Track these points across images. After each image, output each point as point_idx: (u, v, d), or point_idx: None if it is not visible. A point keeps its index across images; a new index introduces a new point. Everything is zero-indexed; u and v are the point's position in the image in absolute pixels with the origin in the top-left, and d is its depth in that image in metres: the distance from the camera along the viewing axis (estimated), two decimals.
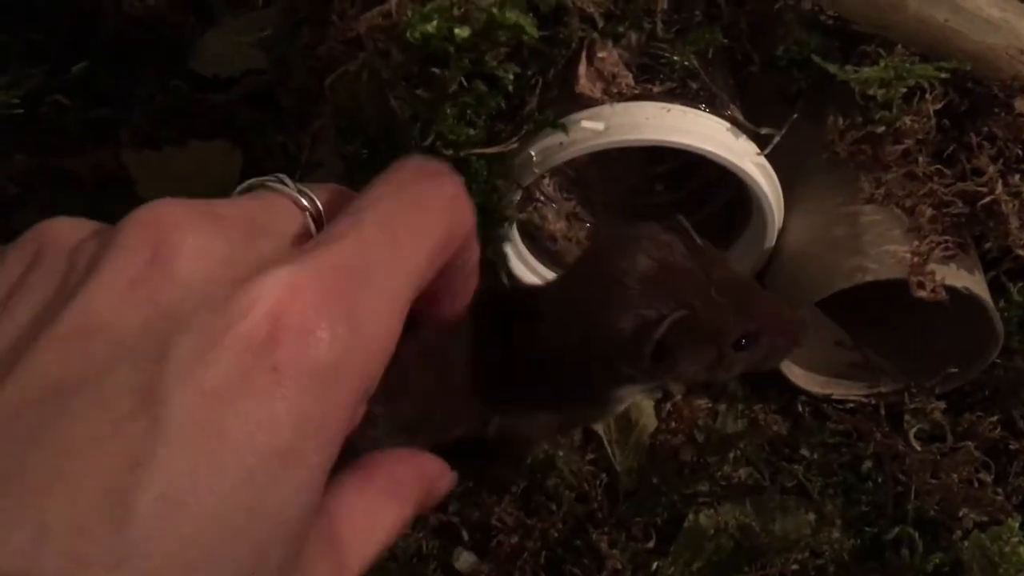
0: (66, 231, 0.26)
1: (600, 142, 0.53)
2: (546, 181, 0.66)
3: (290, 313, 0.23)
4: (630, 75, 0.54)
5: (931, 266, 0.52)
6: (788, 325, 0.47)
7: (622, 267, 0.45)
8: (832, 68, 0.52)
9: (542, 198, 0.67)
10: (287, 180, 0.30)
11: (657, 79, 0.55)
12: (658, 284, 0.44)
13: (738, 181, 0.56)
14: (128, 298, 0.24)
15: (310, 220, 0.29)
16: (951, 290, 0.53)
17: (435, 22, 0.44)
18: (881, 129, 0.54)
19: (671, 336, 0.43)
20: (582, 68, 0.54)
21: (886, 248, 0.54)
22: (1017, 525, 0.49)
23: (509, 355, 0.48)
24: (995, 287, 0.58)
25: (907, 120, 0.54)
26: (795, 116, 0.57)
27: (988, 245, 0.55)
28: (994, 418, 0.58)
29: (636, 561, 0.57)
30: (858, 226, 0.56)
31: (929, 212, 0.53)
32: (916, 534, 0.53)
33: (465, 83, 0.49)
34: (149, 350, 0.23)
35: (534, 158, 0.54)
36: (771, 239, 0.58)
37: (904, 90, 0.54)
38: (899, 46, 0.54)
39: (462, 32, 0.44)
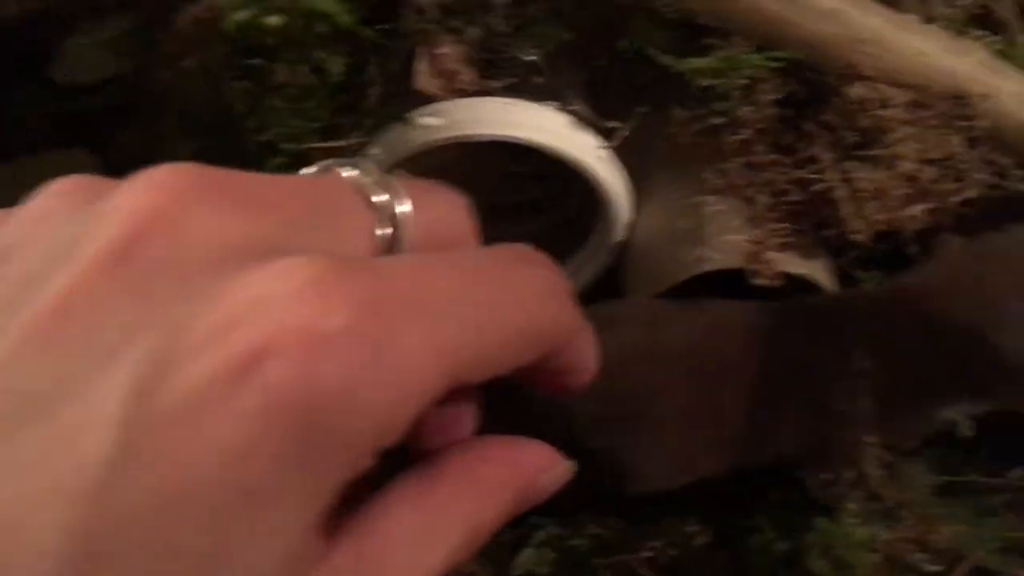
0: (69, 189, 0.22)
1: (440, 137, 0.53)
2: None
3: (304, 318, 0.18)
4: (471, 71, 0.54)
5: (768, 254, 0.53)
6: None
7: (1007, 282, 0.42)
8: (667, 60, 0.53)
9: None
10: (370, 166, 0.24)
11: (499, 75, 0.55)
12: None
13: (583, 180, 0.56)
14: (112, 284, 0.19)
15: (384, 225, 0.23)
16: (791, 277, 0.53)
17: (245, 10, 0.43)
18: (720, 120, 0.54)
19: None
20: (422, 64, 0.53)
21: (727, 238, 0.54)
22: (854, 507, 0.50)
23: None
24: (842, 276, 0.59)
25: (745, 110, 0.54)
26: (642, 110, 0.58)
27: (827, 233, 0.56)
28: None
29: (498, 557, 0.56)
30: (701, 217, 0.56)
31: (766, 200, 0.54)
32: (767, 526, 0.53)
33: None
34: (122, 351, 0.18)
35: (379, 153, 0.54)
36: (619, 233, 0.59)
37: (744, 81, 0.55)
38: (737, 37, 0.55)
39: (274, 20, 0.43)
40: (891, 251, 0.60)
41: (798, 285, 0.54)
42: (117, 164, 0.71)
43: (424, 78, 0.53)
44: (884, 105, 0.53)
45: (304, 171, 0.24)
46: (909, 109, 0.54)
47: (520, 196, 0.69)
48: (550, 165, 0.67)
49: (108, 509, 0.17)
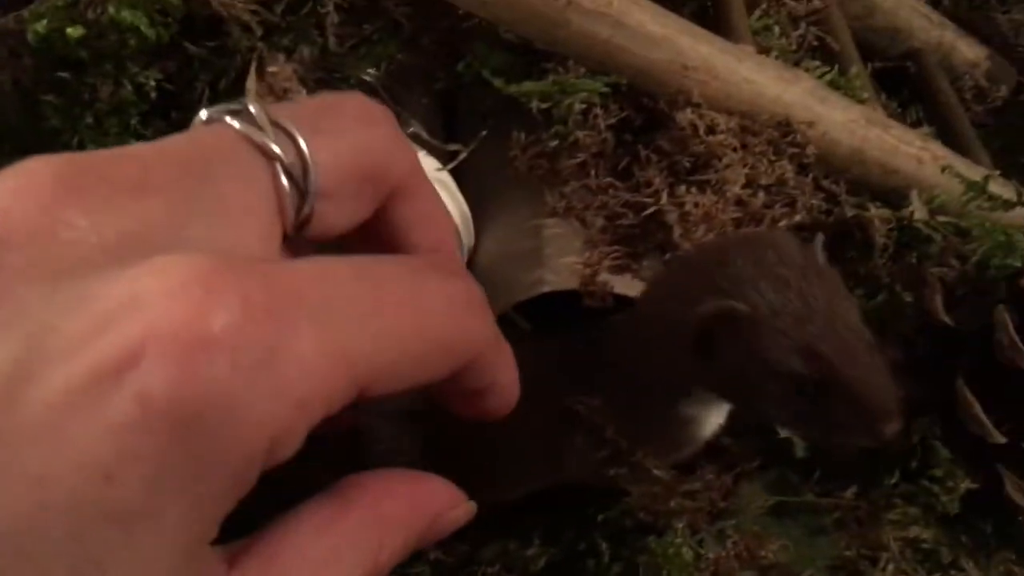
0: None
1: None
2: None
3: (183, 319, 0.17)
4: (304, 90, 0.53)
5: (603, 276, 0.53)
6: (874, 405, 0.39)
7: (717, 260, 0.40)
8: (497, 82, 0.53)
9: None
10: (256, 109, 0.21)
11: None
12: (739, 281, 0.38)
13: None
14: None
15: (283, 176, 0.21)
16: (627, 298, 0.54)
17: (46, 21, 0.41)
18: (555, 143, 0.54)
19: (720, 329, 0.38)
20: (251, 82, 0.52)
21: (564, 260, 0.54)
22: (681, 527, 0.50)
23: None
24: None
25: (582, 134, 0.55)
26: (484, 133, 0.58)
27: (667, 257, 0.56)
28: None
29: None
30: (541, 239, 0.56)
31: (600, 223, 0.54)
32: (604, 544, 0.53)
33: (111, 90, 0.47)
34: None
35: None
36: (463, 253, 0.58)
37: (582, 106, 0.55)
38: (572, 62, 0.55)
39: (75, 32, 0.42)
40: None
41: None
42: None
43: (255, 95, 0.52)
44: (712, 131, 0.54)
45: (194, 122, 0.22)
46: (738, 135, 0.55)
47: None
48: None
49: None
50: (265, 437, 0.18)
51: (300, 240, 0.23)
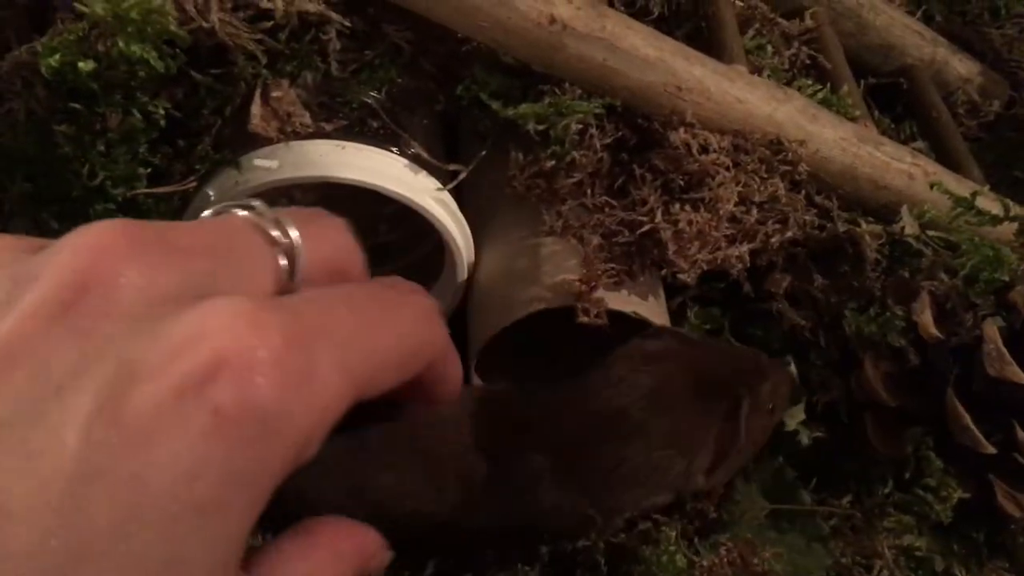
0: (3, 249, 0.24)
1: (273, 179, 0.53)
2: None
3: (243, 348, 0.21)
4: (307, 114, 0.55)
5: (599, 293, 0.54)
6: None
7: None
8: (495, 105, 0.55)
9: None
10: (261, 206, 0.27)
11: (335, 118, 0.56)
12: None
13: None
14: (54, 329, 0.21)
15: (281, 257, 0.26)
16: (623, 316, 0.55)
17: (59, 55, 0.43)
18: (552, 163, 0.56)
19: None
20: (255, 107, 0.54)
21: (561, 278, 0.56)
22: (675, 535, 0.51)
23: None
24: (680, 315, 0.61)
25: (577, 154, 0.56)
26: (483, 153, 0.59)
27: (664, 273, 0.58)
28: None
29: None
30: (538, 257, 0.57)
31: (596, 241, 0.55)
32: (602, 560, 0.54)
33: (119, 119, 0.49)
34: (74, 384, 0.21)
35: (211, 196, 0.54)
36: (462, 273, 0.60)
37: (579, 126, 0.57)
38: (568, 84, 0.57)
39: (86, 65, 0.43)
40: (727, 290, 0.63)
41: (631, 323, 0.56)
42: None
43: (259, 121, 0.53)
44: (705, 150, 0.55)
45: (204, 214, 0.27)
46: (731, 154, 0.56)
47: (381, 238, 0.70)
48: (404, 208, 0.68)
49: (73, 522, 0.19)
50: (302, 440, 0.22)
51: None
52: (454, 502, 0.46)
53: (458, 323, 0.62)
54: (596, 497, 0.47)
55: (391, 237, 0.70)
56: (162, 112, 0.49)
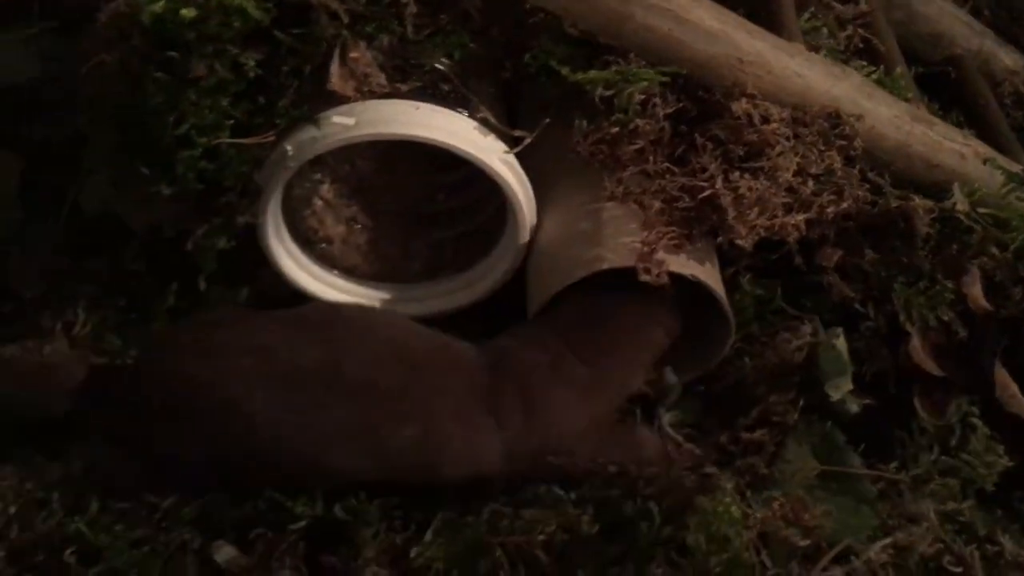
0: None
1: (350, 136, 0.55)
2: (325, 187, 0.68)
3: None
4: (382, 75, 0.57)
5: (659, 255, 0.56)
6: None
7: None
8: (564, 70, 0.56)
9: (320, 203, 0.68)
10: None
11: (409, 80, 0.58)
12: None
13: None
14: None
15: None
16: (681, 279, 0.57)
17: (162, 2, 0.45)
18: (616, 130, 0.58)
19: None
20: (334, 67, 0.56)
21: (622, 240, 0.58)
22: (731, 487, 0.53)
23: None
24: (732, 283, 0.63)
25: (640, 122, 0.58)
26: (547, 121, 0.61)
27: (719, 240, 0.59)
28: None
29: (395, 551, 0.58)
30: (600, 221, 0.59)
31: (658, 205, 0.57)
32: (655, 508, 0.56)
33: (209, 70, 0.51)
34: None
35: (288, 152, 0.56)
36: (524, 236, 0.61)
37: (641, 96, 0.58)
38: (632, 55, 0.59)
39: (188, 13, 0.46)
40: (779, 262, 0.65)
41: (692, 290, 0.58)
42: (40, 163, 0.73)
43: (338, 80, 0.56)
44: (766, 120, 0.57)
45: None
46: (790, 125, 0.58)
47: (439, 206, 0.72)
48: (466, 177, 0.70)
49: None
50: None
51: None
52: None
53: (515, 284, 0.64)
54: None
55: (451, 204, 0.72)
56: (252, 64, 0.51)
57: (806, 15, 0.70)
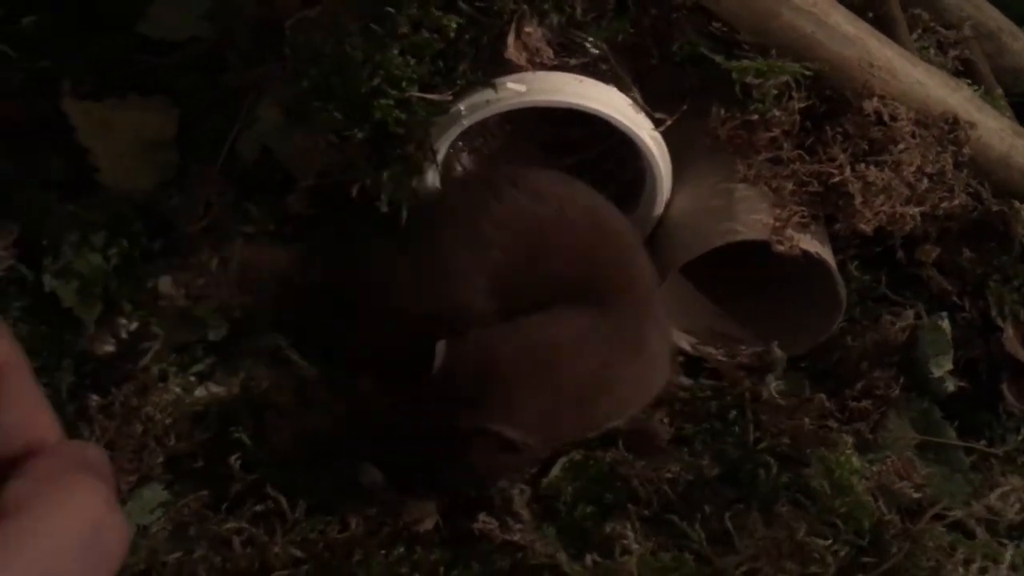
0: None
1: (522, 100, 0.61)
2: (465, 155, 0.74)
3: None
4: (551, 50, 0.63)
5: (789, 231, 0.62)
6: None
7: None
8: (718, 58, 0.63)
9: (460, 169, 0.74)
10: None
11: (574, 56, 0.64)
12: None
13: (635, 157, 0.65)
14: None
15: None
16: (804, 255, 0.63)
17: None
18: (756, 118, 0.64)
19: None
20: (511, 38, 0.62)
21: (754, 216, 0.63)
22: (851, 441, 0.58)
23: None
24: (840, 269, 0.69)
25: (777, 112, 0.64)
26: (685, 107, 0.67)
27: (838, 227, 0.65)
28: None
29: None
30: (732, 199, 0.65)
31: (790, 187, 0.63)
32: (772, 460, 0.61)
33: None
34: None
35: (462, 111, 0.62)
36: (660, 207, 0.67)
37: (775, 91, 0.65)
38: (772, 52, 0.65)
39: None
40: (882, 254, 0.71)
41: (809, 266, 0.63)
42: (193, 113, 0.78)
43: (513, 50, 0.62)
44: (895, 118, 0.63)
45: None
46: (914, 125, 0.64)
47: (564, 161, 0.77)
48: (581, 161, 0.76)
49: None
50: None
51: None
52: None
53: None
54: None
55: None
56: (454, 26, 0.57)
57: (914, 36, 0.76)
